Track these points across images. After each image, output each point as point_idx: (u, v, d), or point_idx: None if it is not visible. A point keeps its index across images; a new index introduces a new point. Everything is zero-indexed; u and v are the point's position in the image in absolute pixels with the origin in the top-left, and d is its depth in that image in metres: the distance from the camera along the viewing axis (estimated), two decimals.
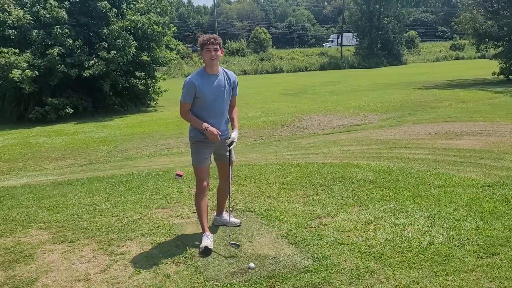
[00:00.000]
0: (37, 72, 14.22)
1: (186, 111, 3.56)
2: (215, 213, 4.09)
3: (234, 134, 3.65)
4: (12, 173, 7.91)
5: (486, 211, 4.04)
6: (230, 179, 3.79)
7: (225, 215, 4.02)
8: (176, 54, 18.74)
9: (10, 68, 13.78)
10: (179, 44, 19.56)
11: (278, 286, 2.90)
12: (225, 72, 3.64)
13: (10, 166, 8.51)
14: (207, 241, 3.52)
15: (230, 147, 3.64)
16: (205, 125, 3.49)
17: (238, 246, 3.50)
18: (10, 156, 9.44)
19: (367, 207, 4.32)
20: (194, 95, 3.47)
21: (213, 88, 3.50)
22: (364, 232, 3.71)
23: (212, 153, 3.76)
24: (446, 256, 3.21)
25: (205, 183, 3.63)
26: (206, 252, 3.43)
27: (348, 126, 11.54)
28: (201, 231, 3.81)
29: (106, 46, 15.61)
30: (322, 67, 43.90)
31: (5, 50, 14.12)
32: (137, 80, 16.80)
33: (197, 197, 3.66)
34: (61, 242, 3.79)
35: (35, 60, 14.40)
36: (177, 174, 5.86)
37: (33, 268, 3.33)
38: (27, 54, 14.37)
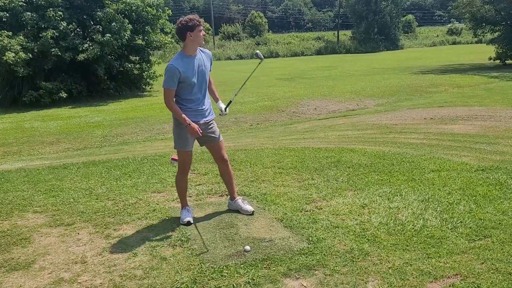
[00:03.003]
0: (30, 55, 14.04)
1: (171, 98, 3.49)
2: (229, 198, 4.02)
3: (221, 105, 3.87)
4: (7, 157, 7.88)
5: (479, 194, 4.09)
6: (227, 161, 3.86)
7: (239, 201, 3.93)
8: (171, 38, 18.53)
9: (3, 51, 13.59)
10: (174, 28, 19.27)
11: (273, 268, 2.94)
12: (201, 51, 3.61)
13: (4, 150, 8.48)
14: (188, 216, 3.73)
15: (225, 112, 3.88)
16: (188, 121, 3.48)
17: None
18: (5, 140, 9.40)
19: (362, 191, 4.35)
20: (178, 80, 3.44)
21: (195, 69, 3.51)
22: (358, 215, 3.74)
23: (196, 139, 3.68)
24: (439, 238, 3.25)
25: (187, 165, 3.77)
26: (188, 225, 3.67)
27: (344, 111, 11.54)
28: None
29: (101, 29, 15.40)
30: (319, 52, 43.68)
31: None
32: (131, 64, 16.65)
33: (179, 178, 3.79)
34: (58, 226, 3.80)
35: (28, 43, 14.20)
36: (172, 159, 5.84)
37: (30, 250, 3.35)
38: (20, 37, 14.16)
